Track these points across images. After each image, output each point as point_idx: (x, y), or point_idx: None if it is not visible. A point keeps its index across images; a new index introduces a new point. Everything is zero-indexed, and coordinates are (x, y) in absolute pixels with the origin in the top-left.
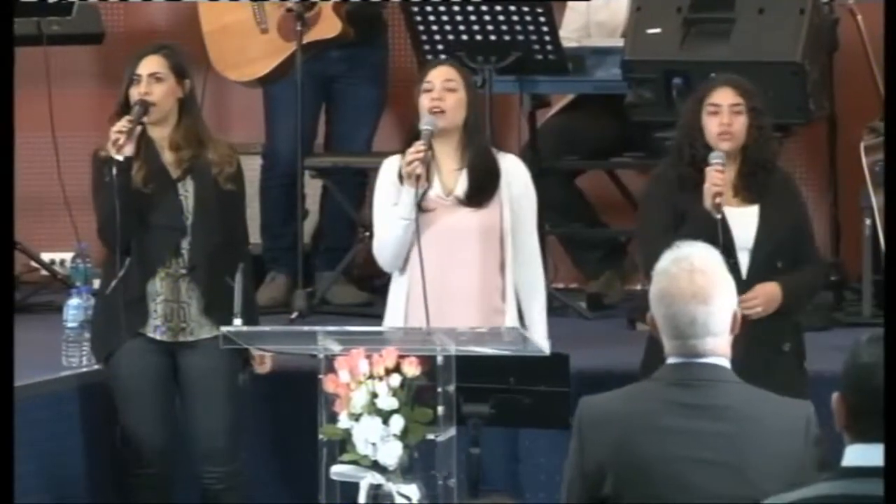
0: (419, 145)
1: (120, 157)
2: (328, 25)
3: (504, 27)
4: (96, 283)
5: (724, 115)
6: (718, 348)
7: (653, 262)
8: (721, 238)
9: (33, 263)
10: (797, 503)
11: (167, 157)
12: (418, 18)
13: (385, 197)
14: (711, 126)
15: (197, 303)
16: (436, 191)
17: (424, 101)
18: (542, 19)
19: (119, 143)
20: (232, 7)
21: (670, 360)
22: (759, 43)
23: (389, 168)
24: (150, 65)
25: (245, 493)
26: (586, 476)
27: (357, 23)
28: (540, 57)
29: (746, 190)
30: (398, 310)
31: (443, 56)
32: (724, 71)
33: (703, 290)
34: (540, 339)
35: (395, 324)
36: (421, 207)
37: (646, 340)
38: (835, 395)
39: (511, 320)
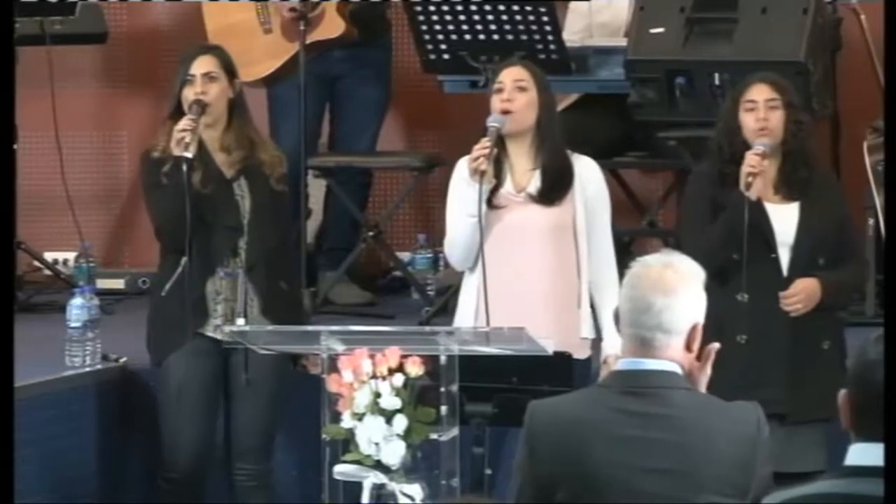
0: (484, 141)
1: (188, 155)
2: (331, 26)
3: (507, 27)
4: (100, 283)
5: (760, 111)
6: (670, 350)
7: (700, 257)
8: (760, 228)
9: (36, 263)
10: (798, 500)
11: (219, 158)
12: (421, 18)
13: (456, 195)
14: (749, 122)
15: (256, 303)
16: (507, 188)
17: (495, 102)
18: (545, 19)
19: (186, 142)
20: (236, 7)
21: (619, 365)
22: (762, 42)
23: (462, 167)
24: (204, 64)
25: (274, 494)
26: (538, 484)
27: (360, 23)
28: (543, 56)
29: (787, 187)
30: (469, 309)
31: (446, 56)
32: (727, 71)
33: (669, 283)
34: (611, 340)
35: (466, 323)
36: (492, 205)
37: None
38: (841, 394)
39: (586, 321)
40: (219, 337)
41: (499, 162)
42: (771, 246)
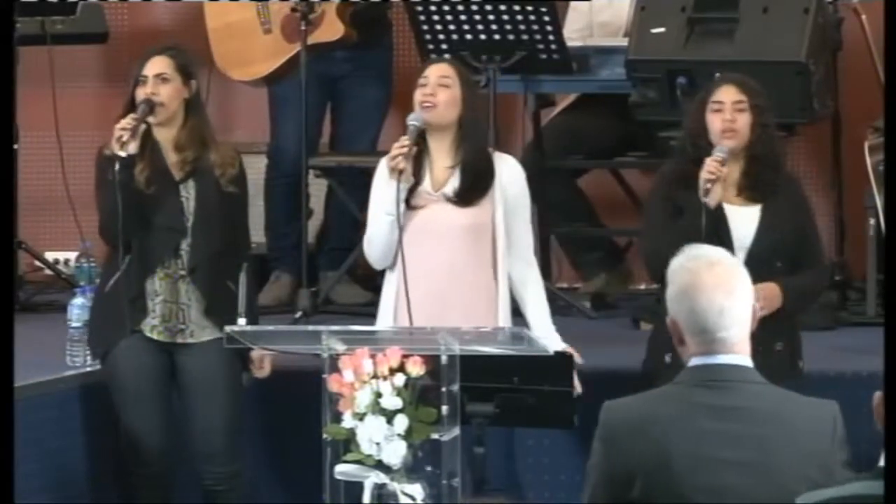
0: (403, 140)
1: (123, 154)
2: (330, 29)
3: (508, 27)
4: None
5: (726, 113)
6: (742, 343)
7: (654, 258)
8: (717, 232)
9: (37, 263)
10: (833, 501)
11: (171, 157)
12: (422, 18)
13: (376, 193)
14: (715, 124)
15: (197, 305)
16: (425, 187)
17: (417, 96)
18: (546, 19)
19: (123, 140)
20: (237, 7)
21: (693, 362)
22: (763, 42)
23: (383, 165)
24: (157, 65)
25: (245, 494)
26: (614, 481)
27: (361, 23)
28: (544, 56)
29: (750, 189)
30: (388, 307)
31: (447, 55)
32: (729, 70)
33: (727, 280)
34: (543, 334)
35: (386, 322)
36: (410, 204)
37: (647, 340)
38: (876, 395)
39: (504, 321)
40: (155, 337)
41: (419, 159)
42: (727, 248)
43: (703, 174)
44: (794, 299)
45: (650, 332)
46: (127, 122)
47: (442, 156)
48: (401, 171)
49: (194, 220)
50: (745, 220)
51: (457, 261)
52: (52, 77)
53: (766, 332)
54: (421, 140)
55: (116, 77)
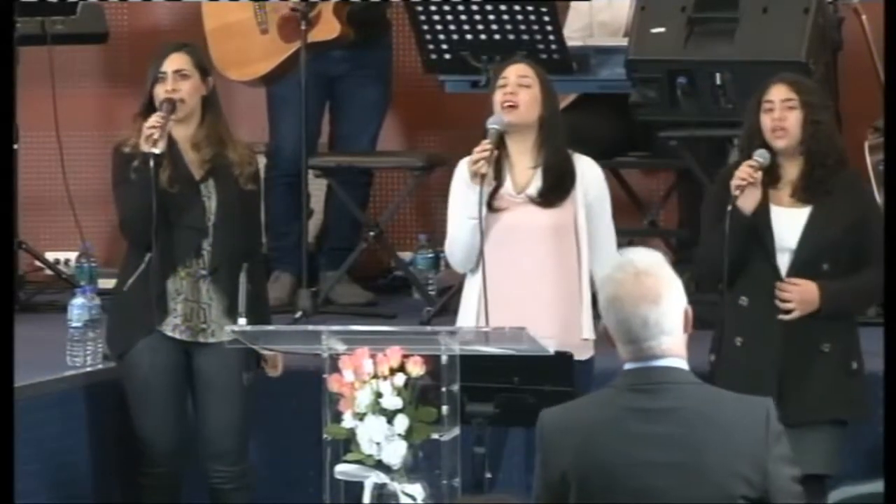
0: (485, 143)
1: (156, 151)
2: (327, 27)
3: (508, 26)
4: (101, 283)
5: (776, 111)
6: (674, 348)
7: (701, 262)
8: (757, 235)
9: (37, 263)
10: (856, 500)
11: (189, 156)
12: (422, 18)
13: (456, 197)
14: (766, 123)
15: (218, 304)
16: (507, 189)
17: (498, 97)
18: (546, 19)
19: (154, 138)
20: (234, 7)
21: (627, 366)
22: (763, 42)
23: (462, 168)
24: (176, 62)
25: (252, 494)
26: (551, 488)
27: (359, 23)
28: (544, 56)
29: (805, 190)
30: (471, 311)
31: (448, 56)
32: (728, 70)
33: (652, 290)
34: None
35: (469, 324)
36: (492, 206)
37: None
38: None
39: (587, 322)
40: (177, 336)
41: (499, 161)
42: (769, 251)
43: (734, 180)
44: (834, 301)
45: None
46: (156, 119)
47: (523, 157)
48: (483, 176)
49: (216, 219)
50: (792, 222)
51: (540, 262)
52: (52, 77)
53: (811, 333)
54: (500, 143)
55: (116, 77)
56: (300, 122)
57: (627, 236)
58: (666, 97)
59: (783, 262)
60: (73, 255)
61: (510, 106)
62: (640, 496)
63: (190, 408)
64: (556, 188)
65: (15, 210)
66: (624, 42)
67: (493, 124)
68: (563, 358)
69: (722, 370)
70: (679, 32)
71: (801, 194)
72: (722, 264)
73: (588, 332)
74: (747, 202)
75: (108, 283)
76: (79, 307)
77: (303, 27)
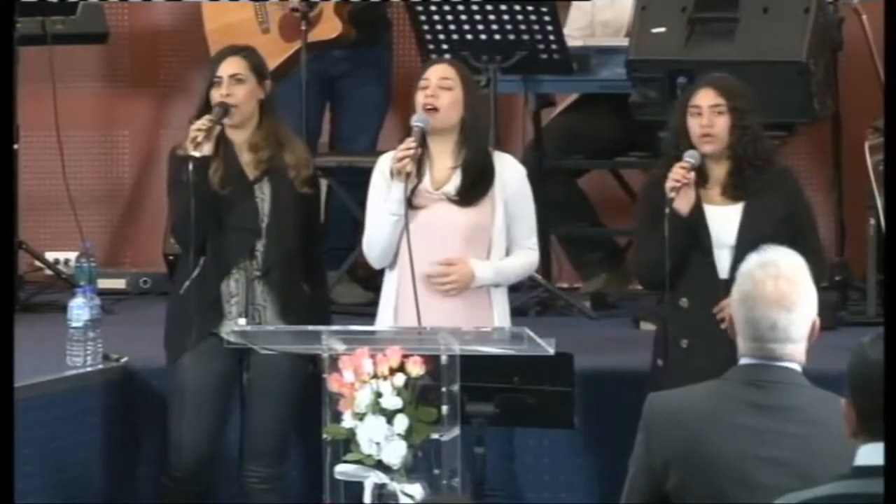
0: (409, 142)
1: (198, 154)
2: (328, 26)
3: (509, 27)
4: (100, 283)
5: (704, 117)
6: (796, 355)
7: (642, 266)
8: (694, 235)
9: (37, 263)
10: (812, 501)
11: (245, 158)
12: (423, 18)
13: (376, 193)
14: (693, 128)
15: (272, 306)
16: (426, 186)
17: (419, 98)
18: (546, 19)
19: (197, 141)
20: (234, 7)
21: (743, 361)
22: (763, 42)
23: (382, 164)
24: (231, 66)
25: (286, 497)
26: (652, 471)
27: (360, 23)
28: (545, 56)
29: (734, 188)
30: (389, 306)
31: (447, 55)
32: (729, 70)
33: (788, 296)
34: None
35: (386, 321)
36: (410, 203)
37: (653, 339)
38: (842, 402)
39: (499, 319)
40: (232, 339)
41: (420, 159)
42: (706, 250)
43: (669, 182)
44: None
45: (653, 332)
46: (202, 123)
47: (444, 157)
48: (408, 174)
49: (269, 220)
50: (726, 219)
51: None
52: (52, 77)
53: None
54: (422, 141)
55: (116, 77)
56: (300, 122)
57: (627, 236)
58: (666, 97)
59: (722, 259)
60: (72, 255)
61: (430, 109)
62: (742, 489)
63: (230, 414)
64: (475, 187)
65: (15, 210)
66: (624, 42)
67: (417, 122)
68: (563, 358)
69: (671, 372)
70: (679, 32)
71: (732, 192)
72: (663, 267)
73: (503, 324)
74: (683, 203)
75: (108, 283)
76: (79, 307)
77: (303, 27)
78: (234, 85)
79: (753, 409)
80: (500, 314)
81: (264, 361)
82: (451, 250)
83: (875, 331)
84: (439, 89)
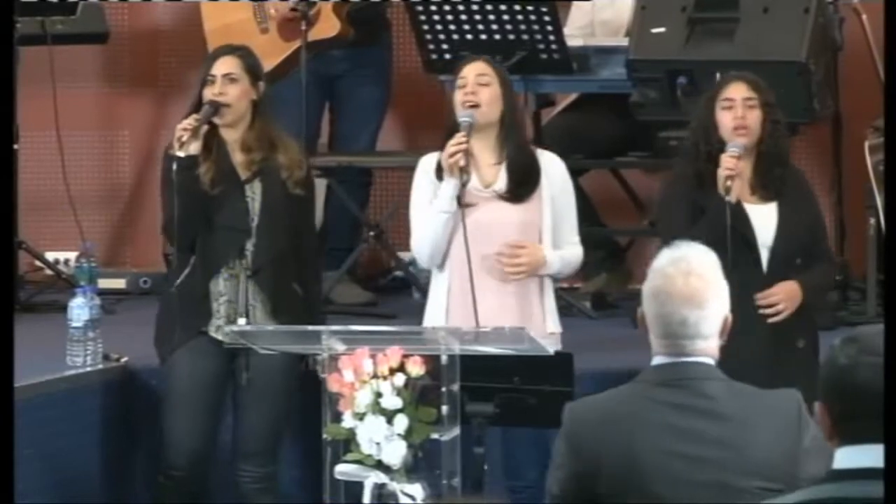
0: (460, 137)
1: (182, 154)
2: (327, 26)
3: (509, 26)
4: (100, 283)
5: (738, 109)
6: (706, 350)
7: None
8: (741, 229)
9: (38, 263)
10: None
11: (237, 158)
12: (423, 18)
13: (422, 194)
14: (726, 121)
15: (262, 306)
16: (474, 184)
17: (458, 97)
18: (546, 18)
19: (183, 140)
20: (233, 7)
21: (656, 361)
22: (763, 42)
23: (426, 165)
24: (225, 66)
25: (279, 496)
26: (579, 480)
27: (359, 22)
28: (545, 56)
29: (764, 188)
30: (439, 306)
31: (448, 56)
32: (729, 70)
33: (698, 293)
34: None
35: (437, 321)
36: (460, 202)
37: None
38: (817, 406)
39: (551, 316)
40: (220, 337)
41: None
42: (752, 247)
43: (721, 171)
44: (811, 295)
45: None
46: (189, 122)
47: (486, 154)
48: (461, 168)
49: (259, 220)
50: (764, 218)
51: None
52: (52, 77)
53: (788, 330)
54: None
55: (116, 77)
56: (300, 122)
57: (627, 236)
58: (666, 97)
59: (763, 257)
60: (72, 255)
61: (472, 105)
62: (672, 488)
63: (223, 413)
64: (524, 183)
65: (15, 210)
66: (624, 42)
67: (464, 118)
68: (563, 358)
69: None
70: (679, 32)
71: (761, 192)
72: None
73: (553, 325)
74: (734, 193)
75: (108, 283)
76: (79, 307)
77: (303, 27)
78: (227, 84)
79: (672, 408)
80: (550, 310)
81: (255, 361)
82: (503, 248)
83: (844, 332)
84: (478, 86)
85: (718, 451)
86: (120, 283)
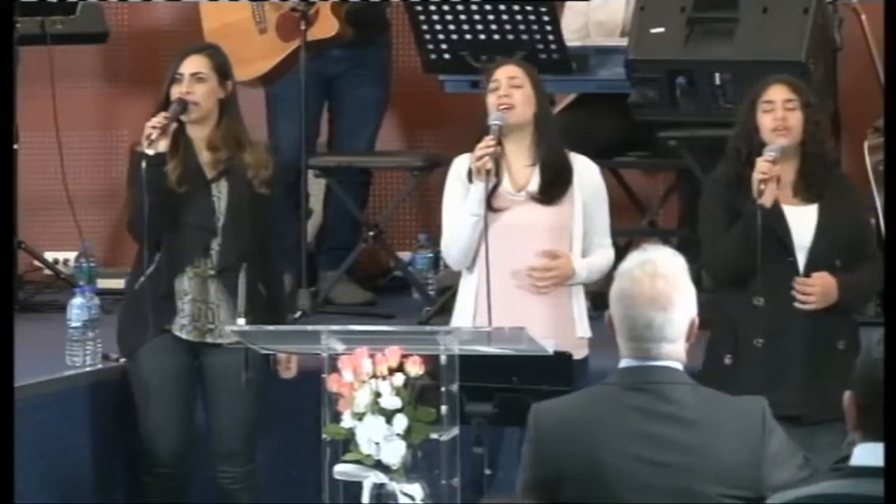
0: (488, 140)
1: (150, 152)
2: (325, 25)
3: (508, 26)
4: (99, 283)
5: (778, 111)
6: (673, 353)
7: (720, 266)
8: (776, 233)
9: (37, 263)
10: (804, 500)
11: (204, 157)
12: (422, 18)
13: (453, 195)
14: (766, 122)
15: (227, 305)
16: (506, 187)
17: (492, 99)
18: (545, 18)
19: (151, 138)
20: (233, 7)
21: (623, 364)
22: (762, 42)
23: (458, 167)
24: (193, 64)
25: (259, 494)
26: (544, 483)
27: (358, 22)
28: (544, 56)
29: (806, 189)
30: (467, 308)
31: (447, 56)
32: (728, 70)
33: (664, 295)
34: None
35: (464, 322)
36: (491, 205)
37: (706, 342)
38: (846, 395)
39: (581, 321)
40: (184, 336)
41: (496, 161)
42: (788, 249)
43: (756, 174)
44: (849, 295)
45: (708, 335)
46: (157, 120)
47: (520, 155)
48: (488, 171)
49: (225, 219)
50: (803, 220)
51: (538, 261)
52: (51, 77)
53: (826, 331)
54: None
55: (116, 77)
56: (299, 122)
57: (627, 236)
58: (666, 97)
59: (800, 260)
60: (72, 255)
61: (506, 107)
62: (636, 493)
63: (198, 409)
64: (556, 184)
65: (15, 210)
66: (623, 42)
67: (495, 121)
68: (563, 358)
69: (744, 370)
70: (679, 32)
71: (804, 193)
72: (738, 266)
73: (583, 330)
74: (768, 197)
75: (107, 283)
76: (78, 307)
77: (302, 27)
78: (194, 83)
79: (638, 412)
80: (580, 314)
81: (219, 359)
82: (533, 251)
83: (878, 332)
84: (511, 88)
85: (683, 457)
86: (119, 283)
